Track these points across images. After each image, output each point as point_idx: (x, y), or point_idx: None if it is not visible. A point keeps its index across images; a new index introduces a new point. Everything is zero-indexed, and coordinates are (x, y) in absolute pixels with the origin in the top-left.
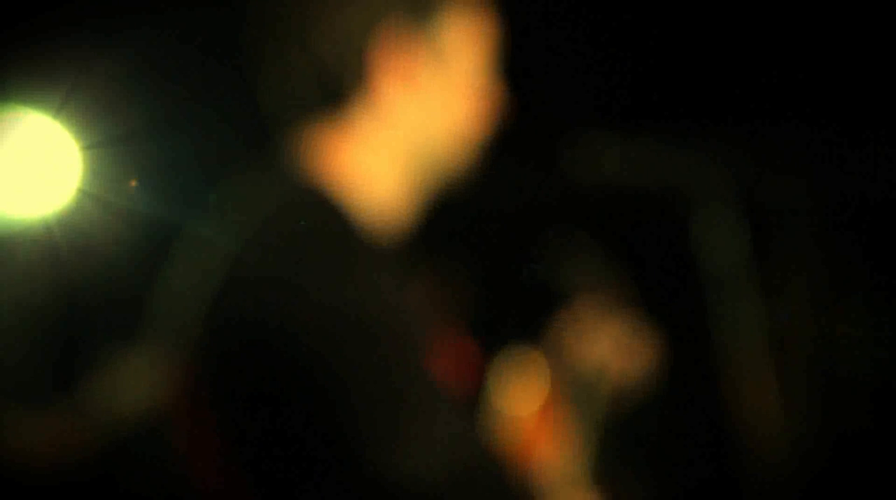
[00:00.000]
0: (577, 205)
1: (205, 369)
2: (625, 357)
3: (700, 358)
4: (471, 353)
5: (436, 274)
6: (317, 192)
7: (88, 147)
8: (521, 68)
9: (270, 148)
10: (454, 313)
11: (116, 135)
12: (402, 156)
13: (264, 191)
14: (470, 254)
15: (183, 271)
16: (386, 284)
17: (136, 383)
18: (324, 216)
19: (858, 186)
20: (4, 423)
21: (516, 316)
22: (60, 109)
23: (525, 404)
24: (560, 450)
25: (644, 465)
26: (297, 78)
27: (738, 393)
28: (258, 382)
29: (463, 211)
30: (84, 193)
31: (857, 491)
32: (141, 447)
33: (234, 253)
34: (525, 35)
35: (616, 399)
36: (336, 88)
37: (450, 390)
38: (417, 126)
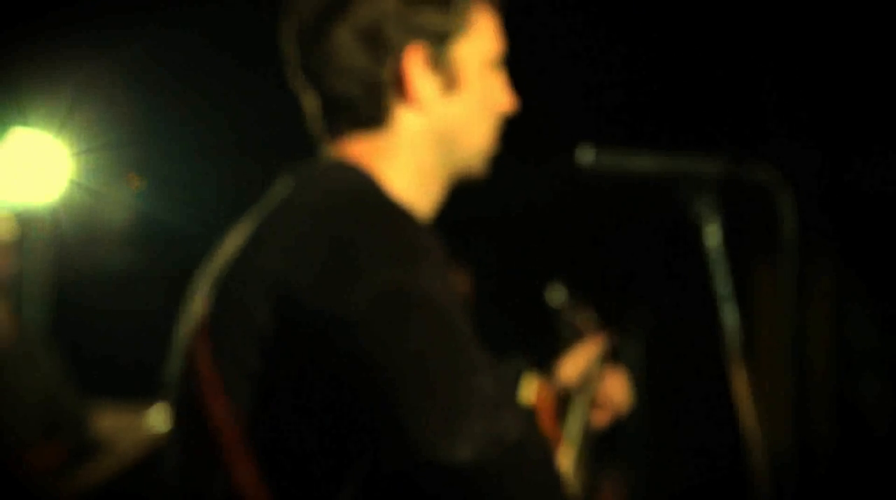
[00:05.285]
0: (577, 209)
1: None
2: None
3: (698, 360)
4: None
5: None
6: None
7: (90, 148)
8: (531, 80)
9: (302, 147)
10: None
11: (117, 137)
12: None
13: (290, 189)
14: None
15: (196, 272)
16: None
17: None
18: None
19: (856, 188)
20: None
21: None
22: (67, 114)
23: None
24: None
25: (641, 466)
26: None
27: (735, 393)
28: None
29: (480, 212)
30: (86, 190)
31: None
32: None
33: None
34: (535, 49)
35: (608, 410)
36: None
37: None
38: (446, 130)
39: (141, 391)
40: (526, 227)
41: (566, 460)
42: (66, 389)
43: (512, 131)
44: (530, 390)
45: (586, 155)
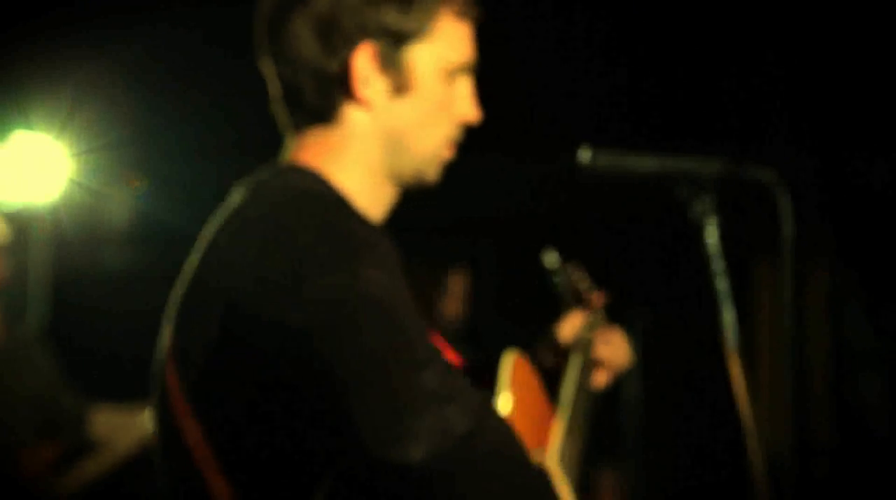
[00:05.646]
0: (577, 209)
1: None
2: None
3: (697, 359)
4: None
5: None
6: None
7: (90, 148)
8: (532, 81)
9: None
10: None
11: (117, 137)
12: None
13: (265, 190)
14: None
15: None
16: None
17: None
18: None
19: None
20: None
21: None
22: (67, 114)
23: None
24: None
25: (640, 466)
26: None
27: (734, 393)
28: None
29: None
30: (86, 190)
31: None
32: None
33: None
34: (536, 50)
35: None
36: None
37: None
38: (408, 128)
39: (140, 391)
40: (526, 227)
41: (560, 424)
42: (63, 389)
43: (512, 132)
44: (508, 368)
45: (586, 155)
